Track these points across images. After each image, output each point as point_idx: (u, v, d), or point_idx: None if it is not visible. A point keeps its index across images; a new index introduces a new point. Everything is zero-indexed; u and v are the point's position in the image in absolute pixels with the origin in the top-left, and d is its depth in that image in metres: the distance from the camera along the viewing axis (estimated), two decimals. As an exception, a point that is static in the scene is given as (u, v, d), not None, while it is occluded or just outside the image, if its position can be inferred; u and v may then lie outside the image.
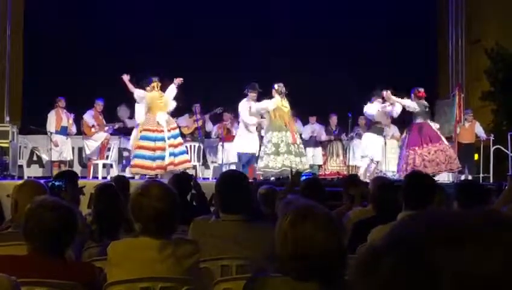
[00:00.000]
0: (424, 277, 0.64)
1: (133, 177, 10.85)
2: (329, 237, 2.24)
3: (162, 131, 11.28)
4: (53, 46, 15.17)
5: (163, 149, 11.21)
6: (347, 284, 2.21)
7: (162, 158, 11.20)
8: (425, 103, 11.80)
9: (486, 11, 15.66)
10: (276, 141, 11.50)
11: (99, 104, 13.03)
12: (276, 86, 11.57)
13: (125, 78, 11.63)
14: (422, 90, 11.77)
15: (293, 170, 11.37)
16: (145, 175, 11.18)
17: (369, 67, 15.16)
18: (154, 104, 11.40)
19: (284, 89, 11.61)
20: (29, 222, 2.96)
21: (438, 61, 17.25)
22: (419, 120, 11.69)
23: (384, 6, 16.29)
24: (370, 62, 15.39)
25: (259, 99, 11.74)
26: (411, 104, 11.63)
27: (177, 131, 11.62)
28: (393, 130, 13.36)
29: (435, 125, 12.06)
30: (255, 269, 3.44)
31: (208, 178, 12.88)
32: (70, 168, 11.81)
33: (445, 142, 11.78)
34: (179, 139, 11.56)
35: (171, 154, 11.23)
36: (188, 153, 12.06)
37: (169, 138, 11.28)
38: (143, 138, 11.34)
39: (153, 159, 11.17)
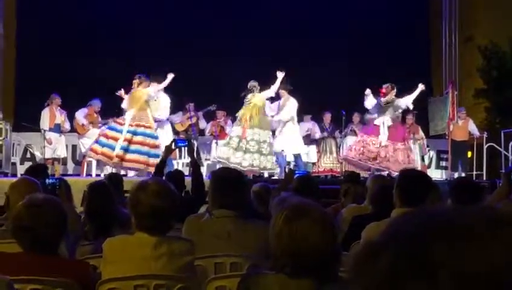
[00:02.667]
0: (423, 274, 0.64)
1: (125, 175, 10.85)
2: (323, 235, 2.24)
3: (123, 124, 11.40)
4: (46, 43, 15.12)
5: (116, 140, 11.28)
6: (340, 281, 2.22)
7: (111, 147, 11.29)
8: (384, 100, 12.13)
9: (478, 9, 15.69)
10: (233, 134, 11.93)
11: (97, 105, 12.96)
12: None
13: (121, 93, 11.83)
14: (382, 87, 12.11)
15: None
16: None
17: (362, 65, 15.19)
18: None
19: (252, 86, 11.90)
20: (16, 220, 2.95)
21: (431, 59, 17.27)
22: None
23: (378, 6, 16.30)
24: (363, 61, 15.40)
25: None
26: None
27: (142, 129, 11.43)
28: None
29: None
30: (249, 266, 3.44)
31: (202, 175, 12.85)
32: (38, 162, 11.77)
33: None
34: (140, 138, 11.35)
35: (122, 147, 11.26)
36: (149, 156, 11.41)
37: (128, 132, 11.31)
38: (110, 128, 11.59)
39: (102, 145, 11.28)
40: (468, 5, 16.01)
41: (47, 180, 4.51)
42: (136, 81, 11.58)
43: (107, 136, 11.34)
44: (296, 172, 6.81)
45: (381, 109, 11.97)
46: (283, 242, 2.28)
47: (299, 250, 2.24)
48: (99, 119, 13.02)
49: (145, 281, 3.03)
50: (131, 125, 11.31)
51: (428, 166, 14.48)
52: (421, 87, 11.96)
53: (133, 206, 3.13)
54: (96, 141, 11.48)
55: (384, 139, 11.87)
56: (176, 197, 3.18)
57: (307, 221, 2.26)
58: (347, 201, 5.78)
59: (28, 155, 13.72)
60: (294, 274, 2.27)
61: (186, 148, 6.76)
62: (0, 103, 14.76)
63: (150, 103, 11.60)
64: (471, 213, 0.69)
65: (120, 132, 11.31)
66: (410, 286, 0.64)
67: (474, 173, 13.40)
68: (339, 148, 13.90)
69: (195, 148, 12.79)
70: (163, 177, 5.80)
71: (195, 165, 6.09)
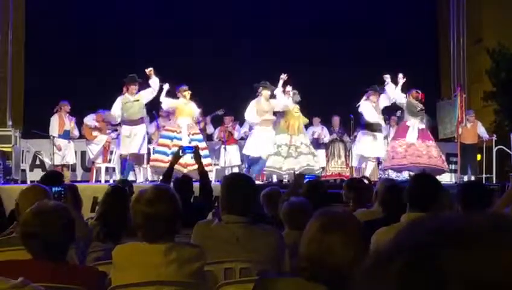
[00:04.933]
0: (431, 282, 0.64)
1: (135, 181, 10.87)
2: (355, 250, 2.22)
3: (181, 132, 11.52)
4: (54, 50, 15.19)
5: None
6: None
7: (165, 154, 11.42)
8: (420, 104, 12.03)
9: (487, 11, 15.66)
10: (281, 143, 12.20)
11: (106, 116, 12.96)
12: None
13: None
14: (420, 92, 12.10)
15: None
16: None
17: (370, 68, 15.15)
18: (179, 110, 11.74)
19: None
20: (24, 227, 2.95)
21: (439, 62, 17.24)
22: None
23: (386, 7, 16.29)
24: (371, 63, 15.37)
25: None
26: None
27: (199, 136, 11.78)
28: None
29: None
30: (258, 271, 3.43)
31: (211, 181, 12.85)
32: (52, 169, 11.71)
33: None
34: (202, 144, 11.49)
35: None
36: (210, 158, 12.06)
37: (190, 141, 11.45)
38: (162, 136, 11.76)
39: (168, 155, 11.30)
40: (476, 8, 15.97)
41: (53, 188, 4.51)
42: (188, 93, 11.67)
43: (162, 145, 11.61)
44: (306, 177, 6.80)
45: (415, 112, 12.03)
46: (312, 248, 2.27)
47: (326, 259, 2.23)
48: (108, 125, 13.06)
49: (155, 288, 3.03)
50: (189, 134, 11.62)
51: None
52: None
53: (133, 217, 3.15)
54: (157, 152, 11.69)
55: (414, 138, 11.95)
56: (174, 202, 3.14)
57: (341, 234, 2.24)
58: (356, 206, 5.76)
59: (38, 162, 13.76)
60: (312, 278, 2.26)
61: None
62: (10, 110, 14.82)
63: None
64: (481, 220, 0.69)
65: (174, 139, 11.49)
66: None
67: (484, 176, 13.35)
68: (348, 152, 13.86)
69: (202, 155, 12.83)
70: (171, 183, 5.81)
71: (202, 171, 6.09)
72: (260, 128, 11.95)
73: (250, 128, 12.57)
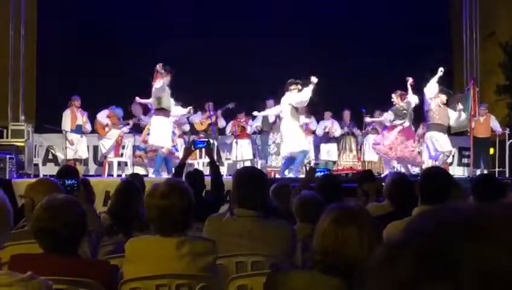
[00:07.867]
0: (443, 273, 0.63)
1: (146, 175, 10.89)
2: (368, 243, 2.22)
3: None
4: (66, 45, 15.23)
5: None
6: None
7: None
8: (404, 105, 11.86)
9: (500, 4, 15.54)
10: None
11: (118, 114, 12.97)
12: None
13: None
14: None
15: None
16: None
17: (381, 62, 15.11)
18: None
19: None
20: (36, 221, 2.96)
21: (452, 55, 17.14)
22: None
23: (398, 3, 16.21)
24: (383, 57, 15.32)
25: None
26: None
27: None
28: None
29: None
30: (270, 265, 3.43)
31: (222, 175, 12.86)
32: (66, 164, 11.70)
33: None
34: None
35: None
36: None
37: None
38: None
39: None
40: (488, 1, 15.86)
41: (66, 181, 4.52)
42: None
43: None
44: (317, 170, 6.77)
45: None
46: (326, 241, 2.28)
47: (340, 252, 2.23)
48: (120, 120, 13.10)
49: (167, 281, 3.04)
50: None
51: (450, 163, 14.37)
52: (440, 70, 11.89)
53: (146, 211, 3.18)
54: None
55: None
56: (187, 195, 3.16)
57: (355, 227, 2.25)
58: (369, 200, 5.75)
59: (50, 156, 13.83)
60: (326, 271, 2.26)
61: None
62: (22, 104, 14.88)
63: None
64: (493, 210, 0.68)
65: None
66: (431, 286, 0.63)
67: (497, 169, 13.27)
68: (360, 146, 13.82)
69: (214, 149, 12.87)
70: (183, 178, 5.81)
71: (214, 165, 6.09)
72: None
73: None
